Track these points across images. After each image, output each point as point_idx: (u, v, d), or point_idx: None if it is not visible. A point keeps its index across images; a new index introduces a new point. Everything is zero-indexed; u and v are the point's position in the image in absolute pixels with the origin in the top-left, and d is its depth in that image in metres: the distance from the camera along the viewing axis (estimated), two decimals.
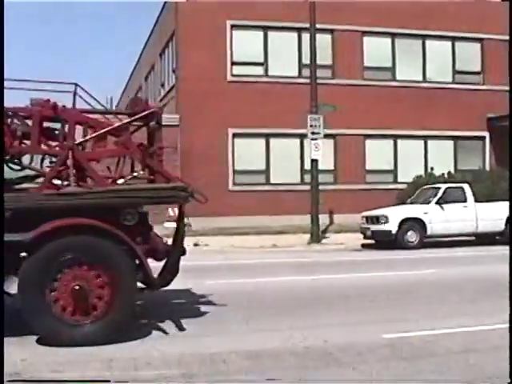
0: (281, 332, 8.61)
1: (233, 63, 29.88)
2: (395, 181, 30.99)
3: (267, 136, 29.97)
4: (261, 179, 30.02)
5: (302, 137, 27.39)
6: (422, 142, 31.72)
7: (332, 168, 30.33)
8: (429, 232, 22.69)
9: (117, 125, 9.00)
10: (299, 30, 29.57)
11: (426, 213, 22.78)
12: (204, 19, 28.93)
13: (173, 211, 27.92)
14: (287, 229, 26.20)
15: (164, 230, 26.81)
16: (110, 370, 6.79)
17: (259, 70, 30.33)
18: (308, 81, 25.20)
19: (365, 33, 30.98)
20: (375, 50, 31.26)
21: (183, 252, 9.20)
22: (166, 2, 33.03)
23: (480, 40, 32.22)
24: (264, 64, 30.35)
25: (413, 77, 31.62)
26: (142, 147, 9.17)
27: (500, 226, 22.77)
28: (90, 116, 9.16)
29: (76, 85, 8.94)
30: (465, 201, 23.18)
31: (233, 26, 29.78)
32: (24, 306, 7.67)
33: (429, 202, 23.25)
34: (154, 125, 9.40)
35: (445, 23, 31.08)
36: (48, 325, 7.63)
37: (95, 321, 7.84)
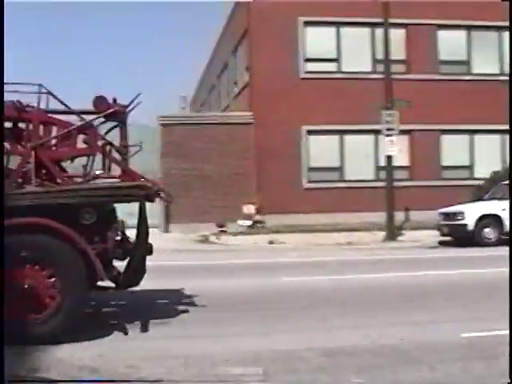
0: (357, 330, 8.55)
1: (306, 60, 29.85)
2: (472, 177, 30.45)
3: (341, 132, 29.83)
4: (335, 176, 29.89)
5: (377, 133, 27.16)
6: (499, 136, 31.02)
7: (407, 164, 30.02)
8: (506, 229, 22.22)
9: (79, 124, 8.89)
10: (372, 25, 29.38)
11: (503, 209, 22.30)
12: (276, 17, 29.01)
13: (247, 208, 28.11)
14: (362, 226, 26.02)
15: (239, 227, 27.23)
16: (186, 367, 6.80)
17: (332, 67, 30.23)
18: (382, 76, 25.00)
19: (439, 26, 30.53)
20: (450, 43, 30.77)
21: (150, 251, 9.02)
22: (237, 2, 33.15)
23: None
24: (337, 60, 30.22)
25: (489, 70, 30.96)
26: (106, 146, 9.06)
27: None
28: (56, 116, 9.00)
29: (40, 85, 8.83)
30: None
31: (305, 23, 29.75)
32: None
33: (506, 198, 22.75)
34: (121, 124, 9.27)
35: None
36: None
37: (46, 320, 7.74)
